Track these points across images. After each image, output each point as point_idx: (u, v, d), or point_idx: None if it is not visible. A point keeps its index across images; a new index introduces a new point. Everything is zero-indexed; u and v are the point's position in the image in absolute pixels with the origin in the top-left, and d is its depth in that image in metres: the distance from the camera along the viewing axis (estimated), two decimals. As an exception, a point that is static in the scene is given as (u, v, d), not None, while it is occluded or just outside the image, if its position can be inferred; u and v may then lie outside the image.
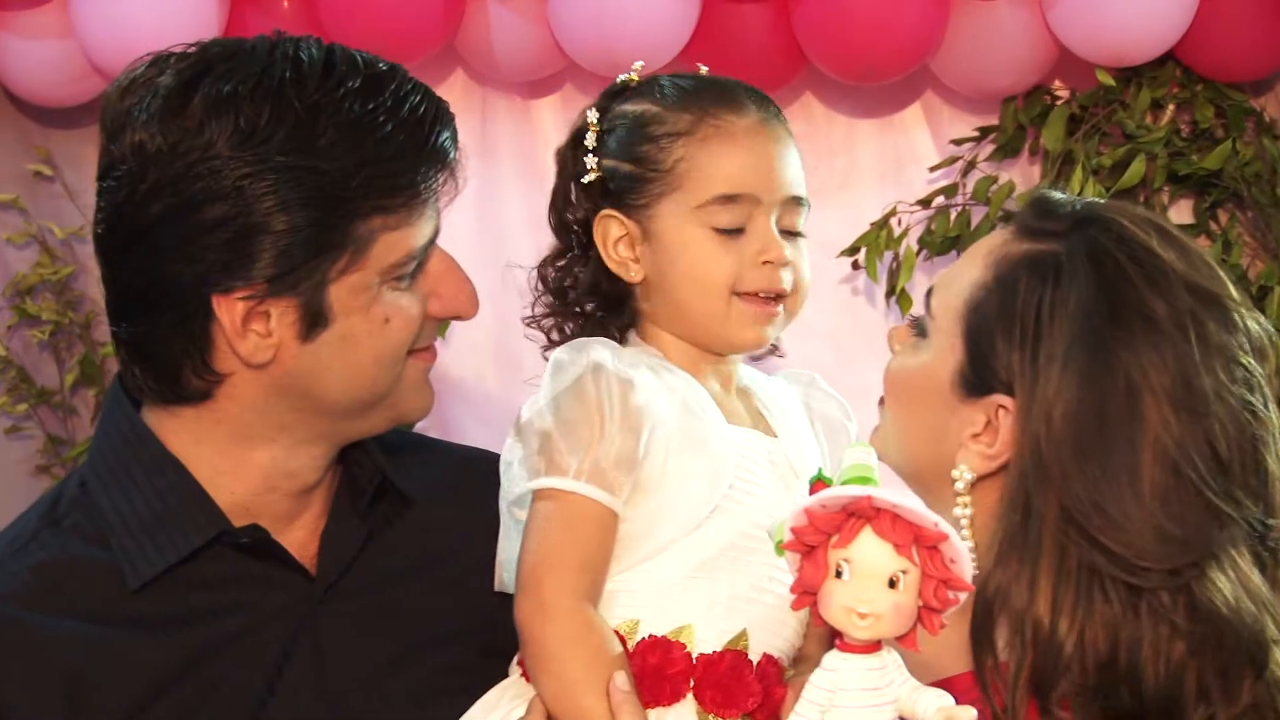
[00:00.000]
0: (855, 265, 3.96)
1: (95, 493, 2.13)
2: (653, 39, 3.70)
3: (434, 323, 2.17)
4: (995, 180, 3.91)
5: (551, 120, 4.05)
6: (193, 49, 2.07)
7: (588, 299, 2.29)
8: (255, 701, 2.11)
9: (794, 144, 2.27)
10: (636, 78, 2.33)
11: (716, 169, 2.20)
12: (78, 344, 4.16)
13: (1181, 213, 3.88)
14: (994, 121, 3.97)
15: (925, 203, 3.94)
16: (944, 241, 3.90)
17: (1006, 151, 3.95)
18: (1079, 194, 3.64)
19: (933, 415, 2.08)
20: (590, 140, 2.29)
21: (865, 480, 1.75)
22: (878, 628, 1.74)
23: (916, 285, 3.94)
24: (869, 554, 1.73)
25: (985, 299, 2.04)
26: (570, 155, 2.32)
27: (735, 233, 2.21)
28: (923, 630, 1.77)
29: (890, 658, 1.78)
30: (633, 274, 2.25)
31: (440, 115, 2.10)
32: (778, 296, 2.23)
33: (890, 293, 3.94)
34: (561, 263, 2.30)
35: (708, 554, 2.16)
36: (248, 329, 2.03)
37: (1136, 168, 3.72)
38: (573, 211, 2.29)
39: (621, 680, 2.06)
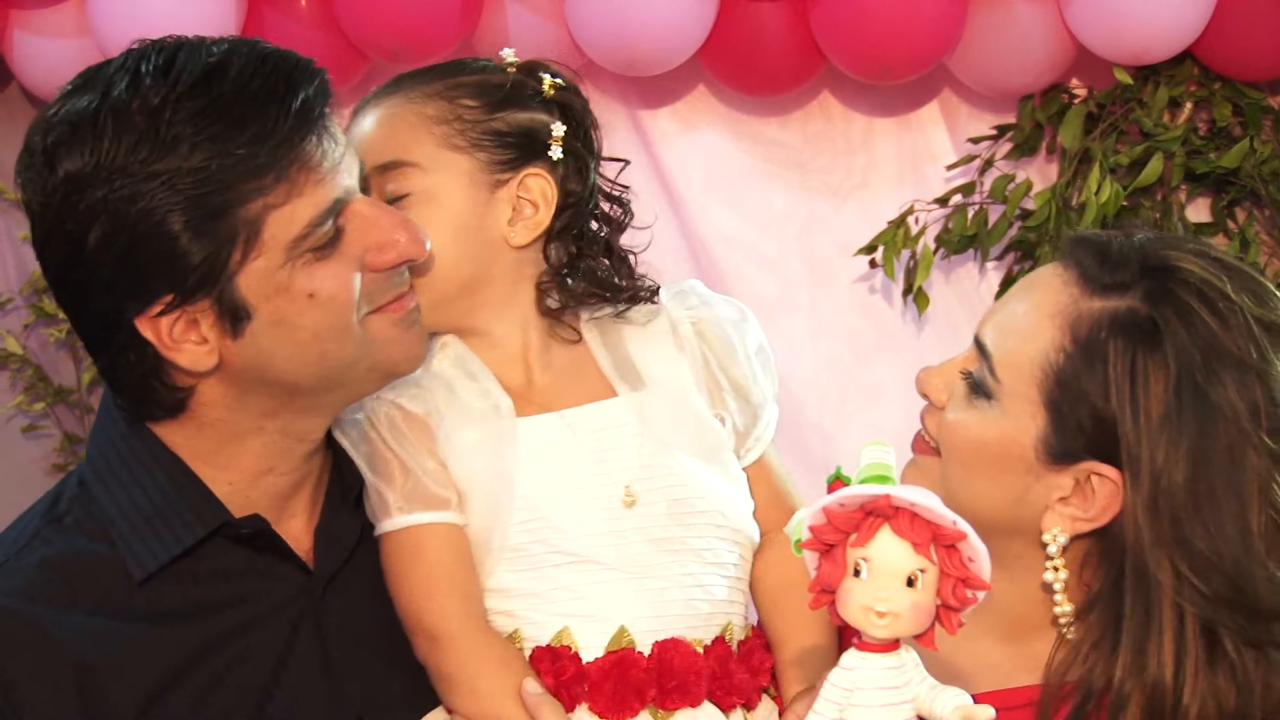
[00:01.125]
0: (872, 264, 3.96)
1: (95, 490, 2.15)
2: (670, 38, 3.70)
3: (385, 276, 2.12)
4: (1012, 179, 3.91)
5: (568, 119, 4.05)
6: (68, 86, 2.09)
7: None
8: (261, 693, 2.13)
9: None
10: None
11: None
12: (95, 343, 4.16)
13: (1199, 211, 3.87)
14: (1011, 120, 3.96)
15: (942, 201, 3.93)
16: (961, 240, 3.89)
17: (1024, 150, 3.94)
18: (1095, 193, 3.64)
19: (1013, 480, 2.04)
20: None
21: (883, 479, 1.75)
22: (896, 626, 1.74)
23: (933, 284, 3.94)
24: (887, 552, 1.73)
25: (1067, 365, 2.00)
26: None
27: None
28: (948, 635, 1.77)
29: (909, 656, 1.77)
30: None
31: (297, 76, 2.05)
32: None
33: (907, 291, 3.93)
34: None
35: (540, 547, 2.15)
36: (180, 341, 2.03)
37: (1154, 166, 3.71)
38: None
39: (532, 685, 2.08)
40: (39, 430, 4.22)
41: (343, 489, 2.25)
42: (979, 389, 2.07)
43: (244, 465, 2.15)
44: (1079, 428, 1.99)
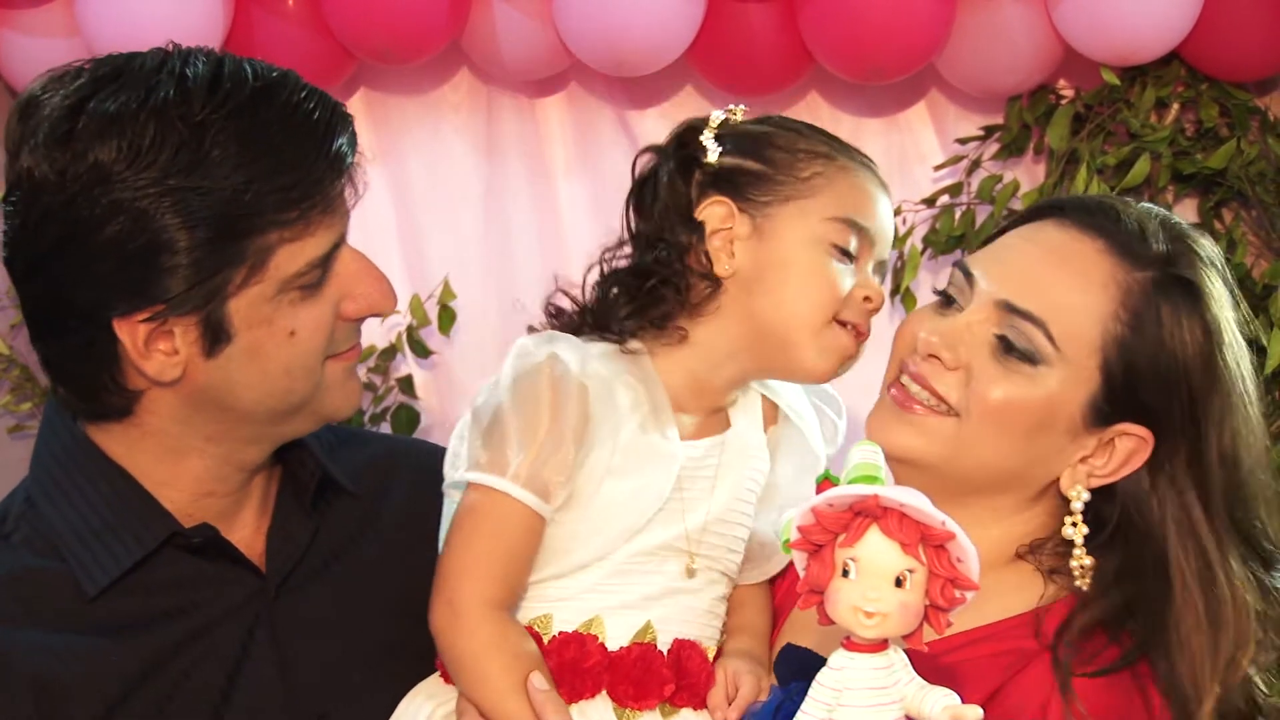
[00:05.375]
0: (860, 264, 3.95)
1: (41, 506, 2.14)
2: (658, 38, 3.70)
3: (351, 324, 2.15)
4: (1000, 179, 3.91)
5: (557, 119, 4.04)
6: (88, 65, 2.06)
7: (663, 280, 2.25)
8: (219, 697, 2.13)
9: None
10: (740, 115, 2.33)
11: (852, 195, 2.24)
12: (82, 343, 4.15)
13: (1186, 212, 3.87)
14: (999, 120, 3.96)
15: (930, 201, 3.93)
16: (949, 241, 3.89)
17: (1011, 150, 3.94)
18: (1083, 193, 3.64)
19: (1050, 441, 2.13)
20: (712, 130, 2.29)
21: (872, 479, 1.75)
22: (884, 626, 1.74)
23: (921, 284, 3.93)
24: (876, 553, 1.73)
25: (1123, 332, 2.10)
26: (685, 141, 2.30)
27: (847, 262, 2.22)
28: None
29: (897, 657, 1.78)
30: (724, 266, 2.23)
31: (335, 121, 2.07)
32: (858, 337, 2.25)
33: (895, 291, 3.93)
34: (623, 251, 2.30)
35: (623, 563, 2.18)
36: (152, 349, 2.03)
37: (1141, 167, 3.71)
38: (673, 196, 2.27)
39: (539, 680, 2.09)
40: (25, 430, 4.20)
41: (296, 490, 2.25)
42: (1022, 354, 2.12)
43: (184, 484, 2.15)
44: (1130, 393, 2.09)
